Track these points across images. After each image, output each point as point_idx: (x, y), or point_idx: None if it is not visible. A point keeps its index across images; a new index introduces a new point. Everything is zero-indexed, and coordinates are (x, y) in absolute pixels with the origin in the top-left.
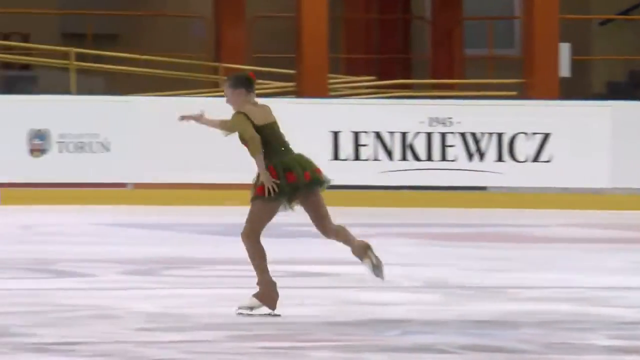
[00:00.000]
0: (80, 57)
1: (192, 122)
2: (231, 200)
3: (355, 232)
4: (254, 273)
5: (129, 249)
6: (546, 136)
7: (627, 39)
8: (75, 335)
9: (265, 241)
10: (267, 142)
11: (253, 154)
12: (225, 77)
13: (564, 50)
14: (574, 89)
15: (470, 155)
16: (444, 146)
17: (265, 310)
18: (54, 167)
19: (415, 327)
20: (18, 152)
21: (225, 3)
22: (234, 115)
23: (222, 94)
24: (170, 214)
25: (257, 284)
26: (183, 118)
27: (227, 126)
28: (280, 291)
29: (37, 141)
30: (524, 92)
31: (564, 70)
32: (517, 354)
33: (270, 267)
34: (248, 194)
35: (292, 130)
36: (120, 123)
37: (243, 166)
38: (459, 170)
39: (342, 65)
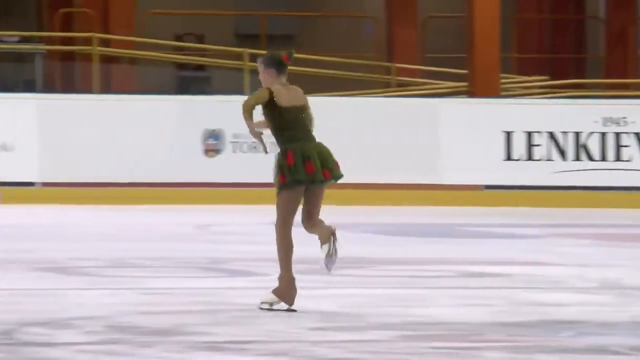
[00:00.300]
0: (254, 58)
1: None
2: (409, 200)
3: (526, 232)
4: (426, 274)
5: (302, 248)
6: None
7: None
8: (247, 334)
9: (441, 241)
10: (289, 125)
11: (243, 117)
12: (260, 57)
13: None
14: None
15: None
16: (618, 146)
17: (283, 306)
18: (227, 167)
19: (589, 328)
20: (192, 152)
21: (398, 3)
22: (260, 89)
23: (394, 94)
24: (346, 213)
25: (278, 278)
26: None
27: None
28: (452, 291)
29: (211, 141)
30: None
31: None
32: None
33: (442, 267)
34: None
35: (464, 130)
36: None
37: (420, 166)
38: (634, 171)
39: (514, 65)
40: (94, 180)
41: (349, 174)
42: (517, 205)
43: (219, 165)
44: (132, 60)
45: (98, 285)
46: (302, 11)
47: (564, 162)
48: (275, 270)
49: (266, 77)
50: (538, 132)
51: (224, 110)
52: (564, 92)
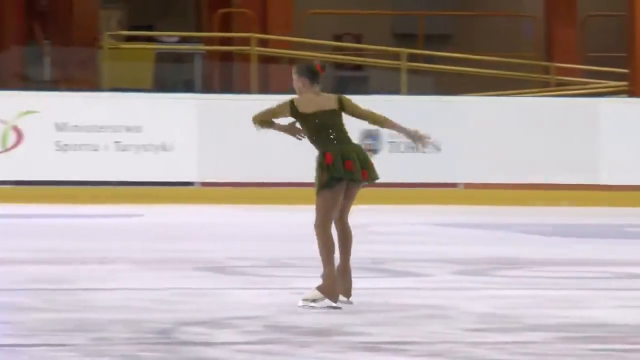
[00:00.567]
0: (412, 58)
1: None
2: (568, 200)
3: None
4: (585, 275)
5: (460, 248)
6: None
7: None
8: (406, 334)
9: (601, 242)
10: (320, 129)
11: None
12: (295, 65)
13: None
14: None
15: None
16: None
17: (327, 302)
18: (385, 168)
19: None
20: None
21: (557, 2)
22: (279, 104)
23: (553, 93)
24: (501, 214)
25: (321, 276)
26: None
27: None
28: (612, 293)
29: (369, 142)
30: None
31: None
32: None
33: (602, 269)
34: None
35: (625, 130)
36: (450, 123)
37: (580, 166)
38: None
39: None
40: (251, 180)
41: (506, 173)
42: None
43: (376, 165)
44: (290, 61)
45: (256, 285)
46: (460, 10)
47: None
48: (438, 271)
49: (299, 85)
50: None
51: (380, 110)
52: None
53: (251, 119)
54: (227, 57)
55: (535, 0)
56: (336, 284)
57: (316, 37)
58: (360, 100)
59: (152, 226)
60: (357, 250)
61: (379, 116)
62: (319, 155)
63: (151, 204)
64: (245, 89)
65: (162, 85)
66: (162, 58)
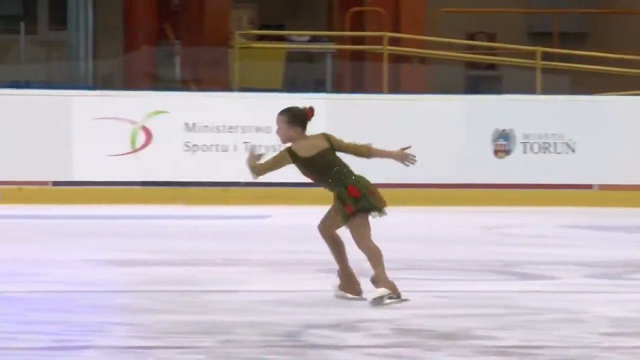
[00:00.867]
0: (547, 57)
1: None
2: None
3: None
4: None
5: (594, 251)
6: None
7: None
8: (536, 339)
9: None
10: (324, 170)
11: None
12: (281, 111)
13: None
14: None
15: None
16: None
17: (394, 297)
18: (518, 168)
19: None
20: (483, 152)
21: None
22: (281, 150)
23: None
24: (637, 216)
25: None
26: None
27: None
28: None
29: (501, 142)
30: None
31: None
32: None
33: None
34: None
35: None
36: (586, 123)
37: None
38: None
39: None
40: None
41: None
42: None
43: (508, 166)
44: (422, 60)
45: None
46: (595, 8)
47: None
48: (571, 274)
49: (291, 134)
50: None
51: (515, 110)
52: None
53: (249, 167)
54: (358, 56)
55: None
56: (392, 282)
57: (449, 36)
58: (494, 101)
59: (278, 227)
60: (484, 253)
61: (362, 147)
62: (340, 194)
63: (279, 205)
64: (376, 89)
65: (292, 84)
66: (292, 57)
